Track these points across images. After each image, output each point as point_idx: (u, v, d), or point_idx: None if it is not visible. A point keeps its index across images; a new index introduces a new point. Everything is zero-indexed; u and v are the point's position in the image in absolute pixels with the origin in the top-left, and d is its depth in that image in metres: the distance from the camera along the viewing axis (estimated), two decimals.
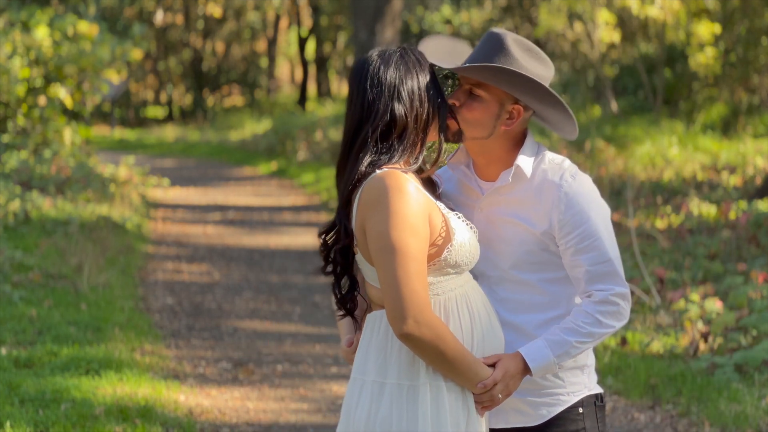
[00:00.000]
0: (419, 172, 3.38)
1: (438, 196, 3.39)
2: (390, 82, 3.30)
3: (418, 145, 3.32)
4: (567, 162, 3.42)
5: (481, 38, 3.42)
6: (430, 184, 3.42)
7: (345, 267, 3.37)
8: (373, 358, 3.31)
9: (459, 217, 3.34)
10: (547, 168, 3.39)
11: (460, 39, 3.59)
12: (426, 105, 3.31)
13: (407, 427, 3.23)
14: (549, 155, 3.42)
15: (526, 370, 3.31)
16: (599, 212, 3.36)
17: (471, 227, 3.35)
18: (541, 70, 3.38)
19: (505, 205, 3.41)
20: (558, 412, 3.43)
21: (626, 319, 3.38)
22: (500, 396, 3.28)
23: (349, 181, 3.29)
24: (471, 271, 3.44)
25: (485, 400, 3.29)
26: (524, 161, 3.38)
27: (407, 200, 3.19)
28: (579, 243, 3.34)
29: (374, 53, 3.36)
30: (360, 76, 3.34)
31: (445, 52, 3.48)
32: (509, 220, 3.40)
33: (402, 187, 3.20)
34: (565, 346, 3.30)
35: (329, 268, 3.39)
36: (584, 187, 3.37)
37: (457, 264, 3.27)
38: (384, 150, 3.28)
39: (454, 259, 3.26)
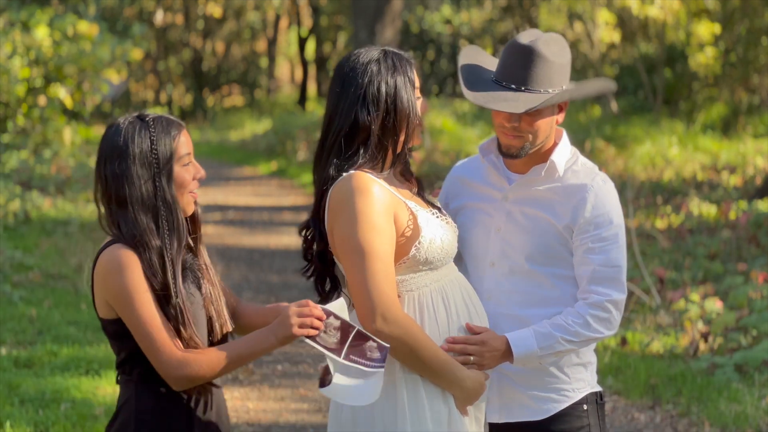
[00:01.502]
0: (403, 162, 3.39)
1: (418, 194, 3.39)
2: (357, 86, 3.29)
3: (389, 151, 3.30)
4: (597, 168, 3.51)
5: (509, 49, 3.38)
6: (412, 182, 3.42)
7: (324, 269, 3.39)
8: None
9: (434, 215, 3.34)
10: (578, 170, 3.47)
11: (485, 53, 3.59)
12: (392, 113, 3.27)
13: (388, 424, 3.23)
14: (582, 159, 3.50)
15: (508, 353, 3.34)
16: (620, 221, 3.45)
17: (448, 223, 3.36)
18: (569, 54, 3.42)
19: (531, 196, 3.46)
20: (563, 407, 3.48)
21: (615, 329, 3.44)
22: (471, 359, 3.27)
23: (319, 185, 3.31)
24: (481, 261, 3.45)
25: (457, 360, 3.26)
26: (559, 158, 3.44)
27: (371, 201, 3.20)
28: (594, 242, 3.40)
29: (353, 53, 3.35)
30: (334, 78, 3.36)
31: (480, 64, 3.49)
32: (533, 212, 3.45)
33: (365, 188, 3.21)
34: (550, 340, 3.34)
35: (310, 271, 3.41)
36: (612, 195, 3.46)
37: (428, 260, 3.27)
38: (349, 154, 3.28)
39: (424, 255, 3.26)
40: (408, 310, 3.27)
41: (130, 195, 3.08)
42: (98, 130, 33.14)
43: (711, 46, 19.47)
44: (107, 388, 7.01)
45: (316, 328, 3.07)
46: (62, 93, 16.84)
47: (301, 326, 3.04)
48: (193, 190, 3.18)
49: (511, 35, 26.87)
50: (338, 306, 3.14)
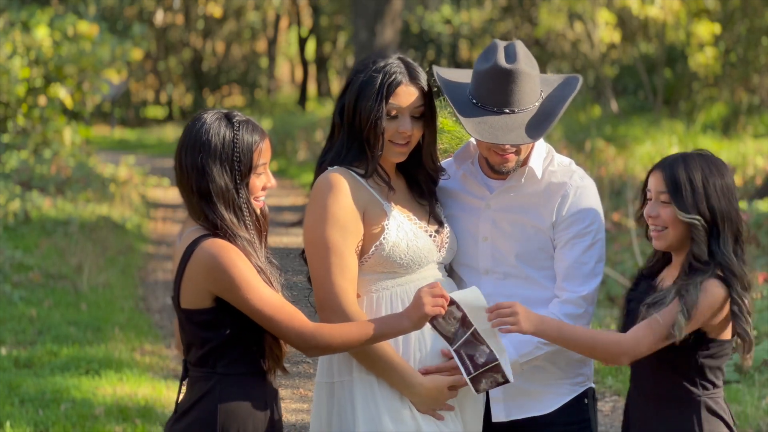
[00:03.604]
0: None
1: (428, 205, 3.39)
2: (347, 82, 3.33)
3: (367, 155, 3.29)
4: (574, 164, 3.52)
5: (492, 74, 3.34)
6: (426, 193, 3.42)
7: None
8: (324, 360, 3.37)
9: (412, 221, 3.33)
10: (555, 170, 3.48)
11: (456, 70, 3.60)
12: (357, 116, 3.27)
13: (349, 423, 3.26)
14: (557, 158, 3.51)
15: None
16: (596, 218, 3.47)
17: (426, 232, 3.35)
18: (537, 65, 3.42)
19: (514, 203, 3.47)
20: (568, 400, 3.52)
21: (589, 323, 3.47)
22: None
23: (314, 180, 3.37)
24: (474, 270, 3.44)
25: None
26: (536, 163, 3.46)
27: (337, 197, 3.23)
28: (569, 239, 3.43)
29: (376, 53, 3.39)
30: None
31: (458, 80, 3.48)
32: (518, 218, 3.46)
33: (336, 184, 3.25)
34: (528, 347, 3.37)
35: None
36: (590, 191, 3.47)
37: (391, 263, 3.28)
38: (329, 150, 3.35)
39: (385, 257, 3.27)
40: (364, 309, 3.29)
41: (213, 189, 3.12)
42: (98, 130, 33.14)
43: (711, 46, 19.48)
44: (107, 388, 7.01)
45: (441, 307, 3.10)
46: (62, 93, 16.84)
47: (434, 306, 3.08)
48: (260, 198, 3.22)
49: (511, 35, 26.89)
50: (471, 295, 3.14)
